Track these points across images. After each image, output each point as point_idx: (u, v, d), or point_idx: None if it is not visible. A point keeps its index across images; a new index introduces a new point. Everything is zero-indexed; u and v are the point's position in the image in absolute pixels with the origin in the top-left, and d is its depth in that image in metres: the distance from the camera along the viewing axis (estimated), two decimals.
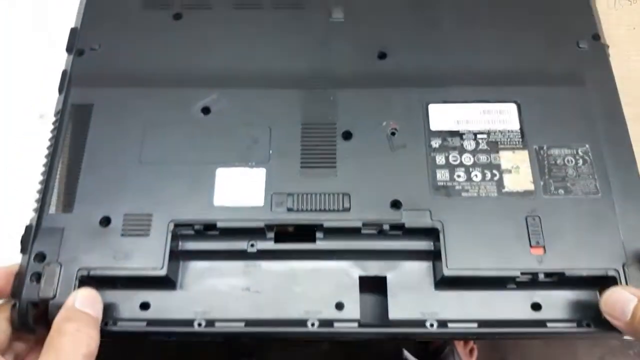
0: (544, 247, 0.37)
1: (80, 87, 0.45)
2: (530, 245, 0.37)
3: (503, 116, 0.42)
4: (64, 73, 0.46)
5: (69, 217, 0.39)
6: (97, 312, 0.36)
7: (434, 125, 0.42)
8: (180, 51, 0.46)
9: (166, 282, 0.38)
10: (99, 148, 0.42)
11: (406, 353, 0.81)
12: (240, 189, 0.40)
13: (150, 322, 0.37)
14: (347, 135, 0.42)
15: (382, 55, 0.46)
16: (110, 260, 0.37)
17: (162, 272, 0.37)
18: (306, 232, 0.39)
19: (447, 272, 0.36)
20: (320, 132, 0.42)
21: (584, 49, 0.45)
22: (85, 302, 0.35)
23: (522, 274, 0.36)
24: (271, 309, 0.38)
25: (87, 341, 0.34)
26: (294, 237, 0.39)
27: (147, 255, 0.37)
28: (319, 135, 0.42)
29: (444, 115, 0.42)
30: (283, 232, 0.39)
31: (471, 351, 0.95)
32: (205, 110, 0.43)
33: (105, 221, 0.39)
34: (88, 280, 0.37)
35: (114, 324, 0.37)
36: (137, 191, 0.40)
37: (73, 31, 0.48)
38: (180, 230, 0.39)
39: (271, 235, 0.39)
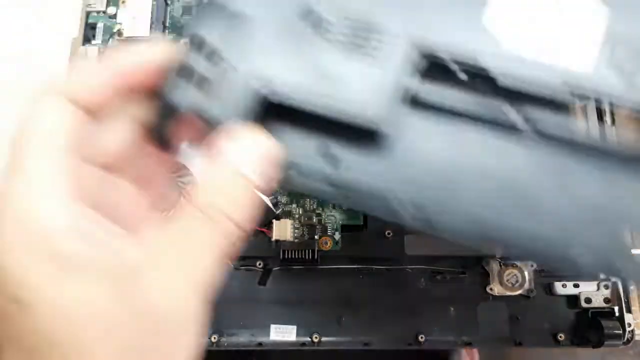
0: None
1: None
2: None
3: None
4: None
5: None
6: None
7: None
8: None
9: (371, 138, 0.23)
10: None
11: None
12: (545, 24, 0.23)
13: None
14: None
15: None
16: (308, 81, 0.23)
17: (371, 113, 0.22)
18: None
19: None
20: None
21: None
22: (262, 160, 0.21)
23: None
24: None
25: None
26: None
27: (364, 87, 0.22)
28: None
29: None
30: None
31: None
32: None
33: (313, 18, 0.24)
34: (269, 106, 0.23)
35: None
36: None
37: None
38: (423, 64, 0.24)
39: None
